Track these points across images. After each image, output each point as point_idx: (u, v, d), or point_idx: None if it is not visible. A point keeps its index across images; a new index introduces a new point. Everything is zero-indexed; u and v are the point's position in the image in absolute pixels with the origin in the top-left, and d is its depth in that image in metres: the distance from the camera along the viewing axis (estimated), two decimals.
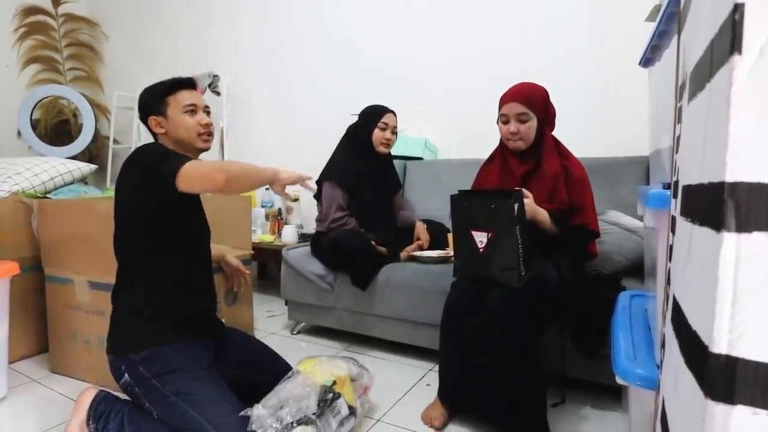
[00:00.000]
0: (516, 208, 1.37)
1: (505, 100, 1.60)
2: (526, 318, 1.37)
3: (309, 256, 2.23)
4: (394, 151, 2.33)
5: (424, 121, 2.87)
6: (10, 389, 1.73)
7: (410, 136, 2.76)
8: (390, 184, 2.32)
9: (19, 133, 3.69)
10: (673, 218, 0.63)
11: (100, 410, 1.32)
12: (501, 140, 1.67)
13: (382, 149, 2.17)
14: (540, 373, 1.37)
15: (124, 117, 4.01)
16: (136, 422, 1.27)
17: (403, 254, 2.14)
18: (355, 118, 2.23)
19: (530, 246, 1.41)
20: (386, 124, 2.14)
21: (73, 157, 3.29)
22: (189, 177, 1.16)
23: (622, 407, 1.56)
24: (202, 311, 1.44)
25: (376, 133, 2.14)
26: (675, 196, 0.62)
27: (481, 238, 1.46)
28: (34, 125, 3.68)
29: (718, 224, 0.37)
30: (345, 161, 2.17)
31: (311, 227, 2.60)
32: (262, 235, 3.00)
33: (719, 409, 0.36)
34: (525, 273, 1.39)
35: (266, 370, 1.43)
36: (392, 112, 2.18)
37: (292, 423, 1.19)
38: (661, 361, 0.68)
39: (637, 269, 1.69)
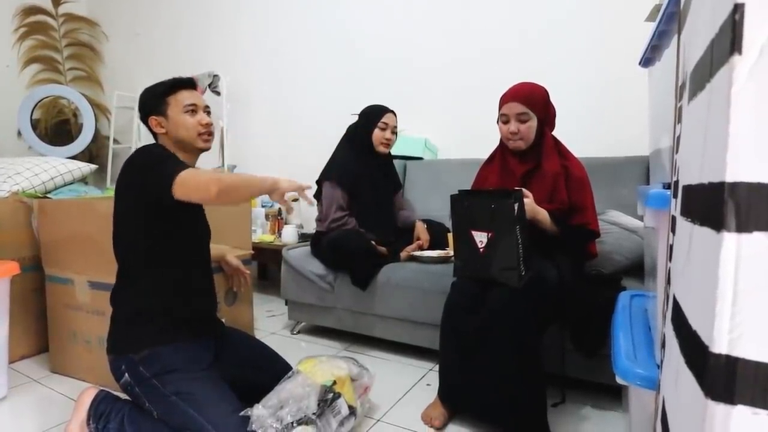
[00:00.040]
0: (516, 208, 1.37)
1: (505, 99, 1.60)
2: (526, 318, 1.37)
3: (309, 256, 2.23)
4: (394, 151, 2.34)
5: (424, 121, 2.87)
6: (10, 389, 1.73)
7: (410, 136, 2.76)
8: (390, 184, 2.32)
9: (19, 133, 3.69)
10: (673, 218, 0.63)
11: (101, 410, 1.32)
12: (501, 140, 1.67)
13: (382, 149, 2.17)
14: (540, 372, 1.37)
15: (124, 117, 4.02)
16: (137, 422, 1.27)
17: (403, 254, 2.14)
18: (355, 118, 2.23)
19: (530, 246, 1.41)
20: (386, 123, 2.14)
21: (74, 157, 3.29)
22: (185, 185, 1.16)
23: (622, 407, 1.56)
24: (202, 311, 1.44)
25: (376, 133, 2.14)
26: (675, 196, 0.62)
27: (481, 238, 1.46)
28: (35, 125, 3.68)
29: (718, 224, 0.37)
30: (345, 161, 2.17)
31: (311, 227, 2.60)
32: (262, 235, 3.00)
33: (719, 409, 0.36)
34: (525, 273, 1.39)
35: (266, 370, 1.43)
36: (392, 112, 2.18)
37: (292, 423, 1.19)
38: (662, 361, 0.68)
39: (637, 269, 1.69)
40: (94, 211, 1.75)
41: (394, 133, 2.19)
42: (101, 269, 1.66)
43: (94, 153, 4.02)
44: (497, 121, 1.63)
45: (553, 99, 1.63)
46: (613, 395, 1.61)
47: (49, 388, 1.78)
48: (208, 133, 1.38)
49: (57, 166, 2.71)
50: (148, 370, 1.25)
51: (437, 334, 1.54)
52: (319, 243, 2.15)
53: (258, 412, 1.19)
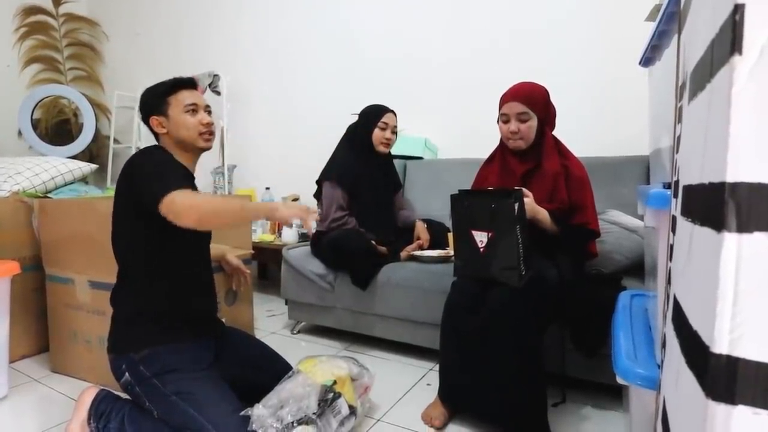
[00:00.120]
0: (516, 207, 1.37)
1: (505, 99, 1.60)
2: (527, 317, 1.37)
3: (309, 255, 2.23)
4: (394, 151, 2.34)
5: (424, 121, 2.87)
6: (10, 388, 1.74)
7: (410, 136, 2.76)
8: (390, 183, 2.32)
9: (19, 133, 3.70)
10: (674, 218, 0.63)
11: (101, 409, 1.32)
12: (501, 140, 1.67)
13: (382, 149, 2.17)
14: (540, 372, 1.37)
15: (125, 117, 4.02)
16: (137, 421, 1.27)
17: (403, 254, 2.14)
18: (355, 118, 2.23)
19: (530, 245, 1.41)
20: (386, 123, 2.14)
21: (74, 157, 3.29)
22: (172, 204, 1.15)
23: (622, 407, 1.56)
24: (202, 311, 1.44)
25: (376, 133, 2.14)
26: (675, 195, 0.62)
27: (481, 237, 1.46)
28: (35, 125, 3.69)
29: (718, 224, 0.37)
30: (345, 161, 2.17)
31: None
32: (262, 234, 3.00)
33: (720, 409, 0.36)
34: (525, 272, 1.39)
35: (266, 370, 1.43)
36: (392, 111, 2.18)
37: (292, 423, 1.20)
38: (662, 361, 0.68)
39: (638, 269, 1.69)
40: (94, 210, 1.75)
41: (394, 132, 2.19)
42: (102, 269, 1.66)
43: (94, 153, 4.02)
44: (497, 121, 1.63)
45: (553, 98, 1.63)
46: (613, 395, 1.61)
47: (50, 388, 1.78)
48: (209, 132, 1.38)
49: (57, 165, 2.71)
50: (148, 370, 1.25)
51: (437, 333, 1.54)
52: (319, 243, 2.15)
53: (258, 411, 1.19)
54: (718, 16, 0.40)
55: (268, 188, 3.31)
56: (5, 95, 3.83)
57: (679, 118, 0.64)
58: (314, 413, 1.24)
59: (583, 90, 2.41)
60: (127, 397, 1.33)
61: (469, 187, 1.70)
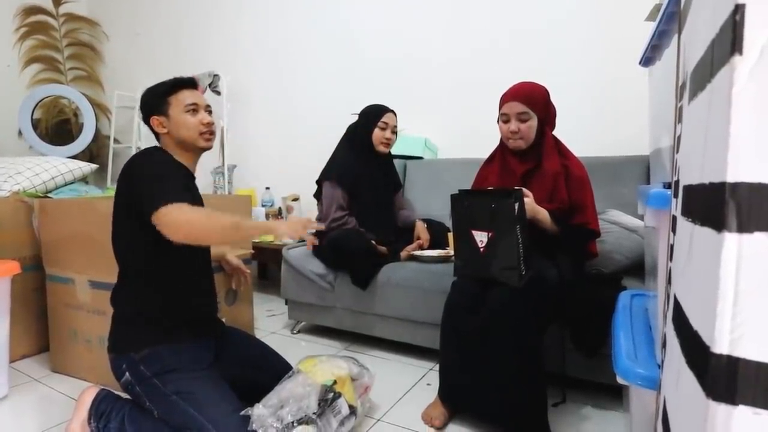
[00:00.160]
0: (516, 207, 1.37)
1: (505, 99, 1.60)
2: (527, 317, 1.37)
3: (309, 255, 2.23)
4: (394, 151, 2.34)
5: (424, 121, 2.87)
6: (11, 388, 1.74)
7: (410, 136, 2.76)
8: (390, 183, 2.32)
9: (20, 133, 3.70)
10: (674, 218, 0.63)
11: (101, 409, 1.32)
12: (501, 140, 1.67)
13: (382, 149, 2.17)
14: (540, 372, 1.37)
15: (125, 116, 4.02)
16: (137, 421, 1.27)
17: (403, 254, 2.14)
18: (355, 118, 2.23)
19: (531, 245, 1.41)
20: (386, 123, 2.14)
21: (74, 157, 3.29)
22: (164, 218, 1.15)
23: (623, 407, 1.56)
24: (202, 311, 1.44)
25: (376, 133, 2.14)
26: (676, 195, 0.62)
27: (481, 237, 1.46)
28: (35, 125, 3.69)
29: (719, 224, 0.37)
30: (345, 161, 2.17)
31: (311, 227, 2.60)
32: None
33: (721, 409, 0.36)
34: (525, 272, 1.39)
35: (266, 370, 1.43)
36: (392, 111, 2.18)
37: (292, 422, 1.20)
38: (662, 361, 0.68)
39: (638, 268, 1.69)
40: (94, 210, 1.75)
41: (394, 132, 2.19)
42: (102, 269, 1.66)
43: (94, 153, 4.02)
44: (497, 121, 1.63)
45: (553, 98, 1.63)
46: (613, 395, 1.61)
47: (50, 388, 1.78)
48: (209, 132, 1.38)
49: (58, 165, 2.71)
50: (148, 369, 1.25)
51: (437, 333, 1.54)
52: (319, 242, 2.15)
53: (258, 411, 1.19)
54: (719, 16, 0.40)
55: (268, 188, 3.31)
56: (5, 95, 3.83)
57: (679, 118, 0.64)
58: (314, 413, 1.24)
59: (583, 90, 2.41)
60: (128, 396, 1.33)
61: (469, 187, 1.70)
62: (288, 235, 1.24)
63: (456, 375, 1.47)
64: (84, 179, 2.95)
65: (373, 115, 2.15)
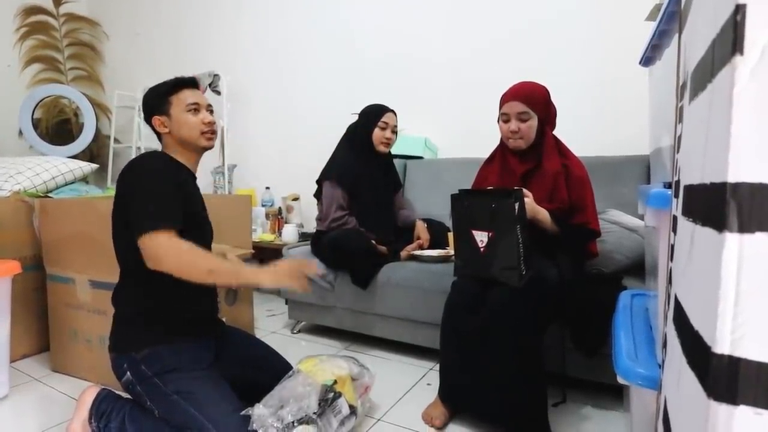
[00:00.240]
0: (516, 207, 1.37)
1: (505, 98, 1.60)
2: (527, 317, 1.37)
3: (309, 255, 2.22)
4: (394, 151, 2.34)
5: (424, 121, 2.87)
6: (11, 388, 1.74)
7: (410, 135, 2.76)
8: (390, 183, 2.32)
9: (20, 133, 3.70)
10: (675, 218, 0.63)
11: (102, 409, 1.32)
12: (501, 139, 1.67)
13: (382, 148, 2.17)
14: (541, 372, 1.37)
15: (125, 116, 4.02)
16: (138, 421, 1.27)
17: (403, 253, 2.14)
18: (355, 118, 2.23)
19: (531, 245, 1.41)
20: (386, 123, 2.14)
21: (74, 157, 3.29)
22: (147, 243, 1.17)
23: (623, 407, 1.56)
24: (203, 311, 1.44)
25: (376, 133, 2.14)
26: (676, 195, 0.62)
27: (481, 237, 1.46)
28: (36, 125, 3.68)
29: (720, 224, 0.37)
30: (345, 161, 2.17)
31: (311, 226, 2.60)
32: (262, 234, 3.00)
33: (722, 409, 0.36)
34: (525, 272, 1.39)
35: (267, 370, 1.43)
36: (392, 111, 2.18)
37: (293, 422, 1.20)
38: (663, 361, 0.68)
39: (638, 268, 1.69)
40: (95, 210, 1.75)
41: (394, 132, 2.19)
42: (102, 268, 1.67)
43: (94, 152, 4.02)
44: (498, 120, 1.63)
45: (553, 98, 1.63)
46: (614, 395, 1.61)
47: (50, 387, 1.78)
48: (211, 131, 1.38)
49: (58, 165, 2.71)
50: (149, 369, 1.25)
51: (438, 333, 1.54)
52: (319, 242, 2.15)
53: (259, 411, 1.19)
54: (719, 15, 0.40)
55: (268, 188, 3.31)
56: (6, 95, 3.83)
57: (679, 117, 0.64)
58: (315, 413, 1.24)
59: (583, 90, 2.41)
60: (128, 396, 1.33)
61: (469, 187, 1.70)
62: (275, 286, 1.21)
63: (456, 375, 1.47)
64: (84, 179, 2.94)
65: (373, 114, 2.15)
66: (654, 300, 1.01)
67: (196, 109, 1.36)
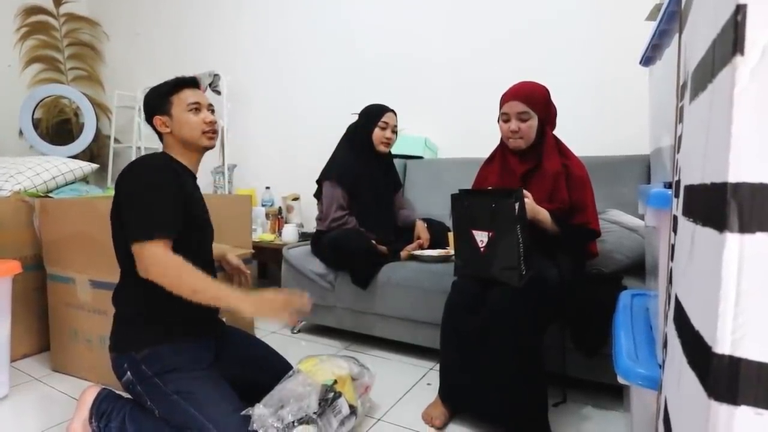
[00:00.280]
0: (517, 207, 1.37)
1: (506, 98, 1.60)
2: (527, 317, 1.37)
3: (309, 255, 2.23)
4: (394, 150, 2.34)
5: (424, 120, 2.87)
6: (11, 388, 1.74)
7: (410, 135, 2.76)
8: (390, 183, 2.32)
9: (20, 133, 3.69)
10: (675, 218, 0.63)
11: (102, 408, 1.32)
12: (501, 139, 1.67)
13: (382, 148, 2.17)
14: (541, 372, 1.37)
15: (125, 116, 4.02)
16: (138, 421, 1.27)
17: (403, 253, 2.14)
18: (355, 118, 2.23)
19: (531, 245, 1.41)
20: (386, 123, 2.14)
21: (75, 157, 3.28)
22: (139, 252, 1.19)
23: (623, 407, 1.56)
24: (203, 311, 1.43)
25: (377, 133, 2.14)
26: (677, 195, 0.62)
27: (481, 237, 1.46)
28: (36, 125, 3.68)
29: (720, 225, 0.37)
30: (345, 161, 2.17)
31: (311, 226, 2.60)
32: (262, 234, 3.00)
33: (723, 409, 0.36)
34: (526, 272, 1.39)
35: (267, 370, 1.43)
36: (392, 111, 2.18)
37: (293, 422, 1.20)
38: (663, 361, 0.68)
39: (638, 268, 1.69)
40: (95, 210, 1.75)
41: (395, 132, 2.19)
42: (102, 268, 1.67)
43: (95, 152, 4.02)
44: (498, 120, 1.63)
45: (553, 98, 1.63)
46: (614, 395, 1.61)
47: (51, 387, 1.78)
48: (212, 131, 1.38)
49: (58, 165, 2.71)
50: (149, 369, 1.25)
51: (438, 333, 1.54)
52: (319, 242, 2.15)
53: (259, 411, 1.19)
54: (720, 16, 0.40)
55: (268, 188, 3.31)
56: (6, 95, 3.83)
57: (680, 117, 0.64)
58: (315, 413, 1.24)
59: (583, 90, 2.41)
60: (129, 396, 1.33)
61: (469, 187, 1.70)
62: (256, 316, 1.20)
63: (456, 375, 1.47)
64: (84, 179, 2.94)
65: (374, 114, 2.15)
66: (654, 300, 1.01)
67: (197, 108, 1.36)
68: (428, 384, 1.78)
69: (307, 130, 3.34)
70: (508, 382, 1.34)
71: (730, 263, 0.36)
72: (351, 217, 2.13)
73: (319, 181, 2.21)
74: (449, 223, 1.64)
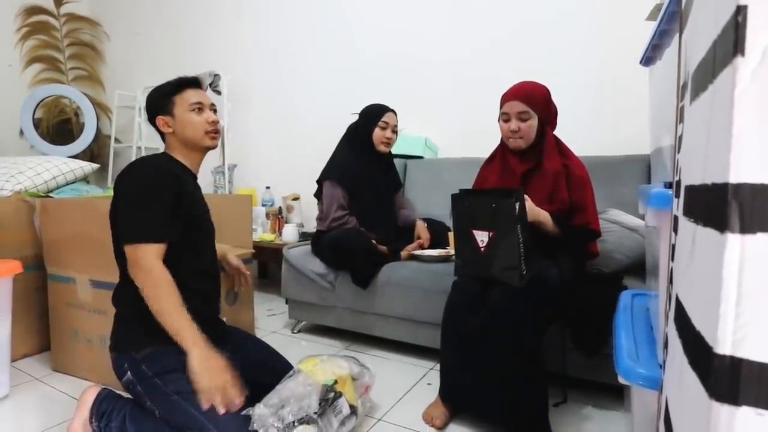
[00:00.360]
0: (517, 207, 1.37)
1: (506, 98, 1.60)
2: (527, 317, 1.37)
3: (309, 254, 2.23)
4: (394, 150, 2.34)
5: (425, 120, 2.87)
6: (12, 387, 1.74)
7: (410, 135, 2.76)
8: (390, 183, 2.32)
9: (21, 133, 3.70)
10: (675, 218, 0.63)
11: (103, 408, 1.32)
12: (501, 139, 1.67)
13: (382, 148, 2.17)
14: (541, 372, 1.37)
15: (126, 116, 4.02)
16: (138, 421, 1.27)
17: (403, 253, 2.14)
18: (356, 118, 2.23)
19: (531, 245, 1.41)
20: (386, 123, 2.14)
21: (75, 156, 3.29)
22: (131, 255, 1.23)
23: (624, 407, 1.56)
24: (203, 311, 1.44)
25: (377, 132, 2.14)
26: (677, 195, 0.62)
27: (482, 237, 1.46)
28: (36, 124, 3.69)
29: (721, 225, 0.37)
30: (345, 160, 2.17)
31: (312, 226, 2.61)
32: (262, 233, 3.00)
33: (724, 409, 0.36)
34: (526, 272, 1.39)
35: (267, 370, 1.43)
36: (392, 110, 2.18)
37: (293, 422, 1.20)
38: (664, 361, 0.68)
39: (639, 268, 1.69)
40: (95, 210, 1.75)
41: (395, 132, 2.19)
42: (103, 268, 1.67)
43: (95, 152, 4.02)
44: (498, 120, 1.63)
45: (553, 98, 1.63)
46: (614, 395, 1.61)
47: (51, 387, 1.78)
48: (214, 131, 1.39)
49: (59, 165, 2.71)
50: (150, 369, 1.25)
51: (438, 333, 1.54)
52: (319, 242, 2.15)
53: (259, 411, 1.20)
54: (720, 16, 0.40)
55: (268, 187, 3.32)
56: (7, 95, 3.84)
57: (680, 118, 0.64)
58: (315, 413, 1.24)
59: (583, 90, 2.41)
60: (129, 396, 1.33)
61: (469, 187, 1.70)
62: (196, 370, 1.17)
63: (457, 375, 1.47)
64: (85, 179, 2.95)
65: (374, 114, 2.15)
66: (655, 300, 1.01)
67: (199, 108, 1.36)
68: (428, 384, 1.78)
69: (307, 130, 3.34)
70: (508, 382, 1.34)
71: (731, 264, 0.36)
72: (351, 217, 2.13)
73: (319, 181, 2.21)
74: (449, 222, 1.65)
